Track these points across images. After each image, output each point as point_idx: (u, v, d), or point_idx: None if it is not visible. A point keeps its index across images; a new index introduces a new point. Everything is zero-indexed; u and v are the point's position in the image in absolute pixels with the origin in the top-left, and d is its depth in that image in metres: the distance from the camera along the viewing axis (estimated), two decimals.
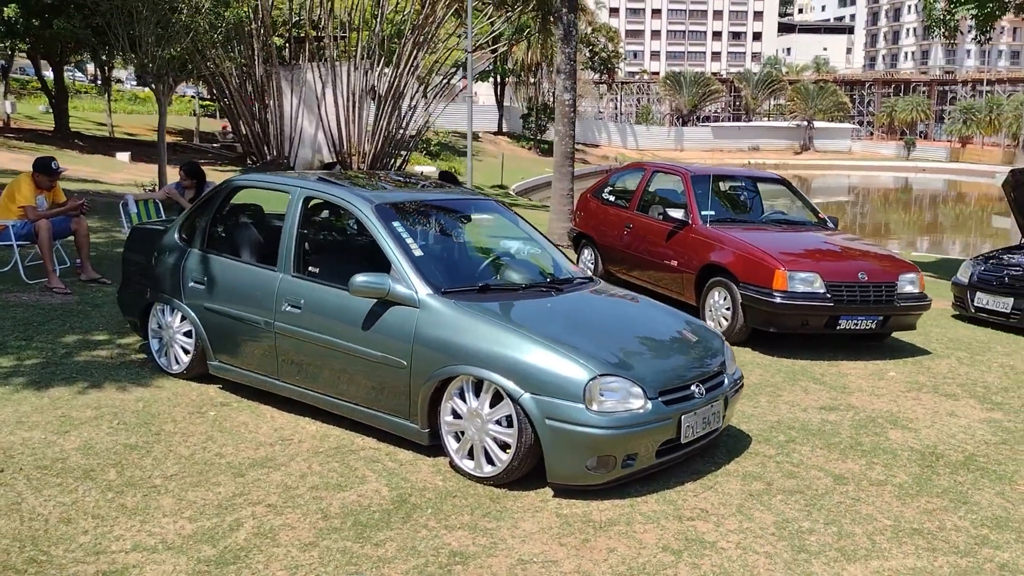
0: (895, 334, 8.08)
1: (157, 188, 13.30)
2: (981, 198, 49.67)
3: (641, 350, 4.73)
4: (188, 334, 5.76)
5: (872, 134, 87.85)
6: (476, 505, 4.22)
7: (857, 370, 7.11)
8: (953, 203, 48.66)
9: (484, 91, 67.52)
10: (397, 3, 27.13)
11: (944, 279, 11.36)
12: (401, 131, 27.26)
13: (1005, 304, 8.87)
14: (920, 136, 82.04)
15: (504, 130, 59.63)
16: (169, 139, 34.15)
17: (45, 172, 8.03)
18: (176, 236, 5.92)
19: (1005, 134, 70.42)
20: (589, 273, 5.91)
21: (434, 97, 28.51)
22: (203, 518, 3.96)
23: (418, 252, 4.93)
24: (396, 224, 5.06)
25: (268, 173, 6.55)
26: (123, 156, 23.85)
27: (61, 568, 3.48)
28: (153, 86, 13.61)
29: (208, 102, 45.88)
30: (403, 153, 28.81)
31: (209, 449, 4.76)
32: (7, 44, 23.92)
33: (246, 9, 20.60)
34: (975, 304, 9.21)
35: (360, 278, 4.67)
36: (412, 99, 26.87)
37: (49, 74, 31.75)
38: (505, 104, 60.96)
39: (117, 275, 8.58)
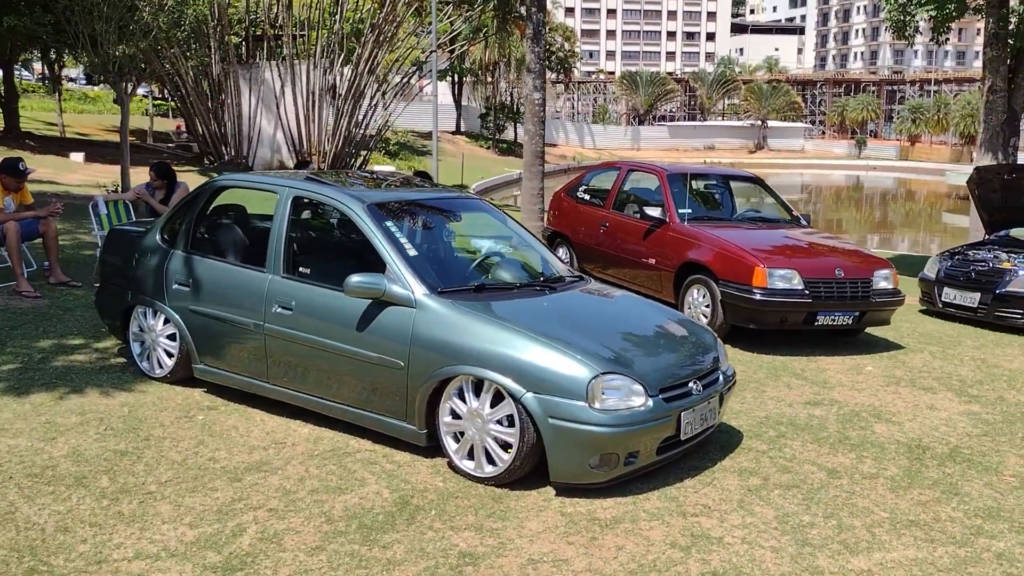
0: (868, 329, 8.22)
1: (120, 189, 13.04)
2: (930, 195, 50.80)
3: (639, 348, 4.75)
4: (172, 337, 5.64)
5: (824, 133, 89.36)
6: (479, 505, 4.20)
7: (835, 365, 7.22)
8: (904, 200, 49.68)
9: (441, 90, 67.02)
10: (357, 1, 26.94)
11: (905, 275, 11.57)
12: (361, 131, 27.09)
13: (972, 299, 9.08)
14: (871, 135, 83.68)
15: (462, 129, 59.48)
16: None
17: (12, 173, 7.82)
18: (158, 237, 5.80)
19: (953, 132, 72.09)
20: (579, 272, 5.89)
21: (394, 97, 28.39)
22: (204, 524, 3.89)
23: (412, 252, 4.89)
24: (389, 224, 5.01)
25: (254, 173, 6.46)
26: (77, 156, 23.29)
27: None
28: (110, 85, 13.29)
29: (160, 101, 45.02)
30: (363, 153, 28.63)
31: (201, 454, 4.67)
32: None
33: (204, 8, 20.23)
34: (943, 299, 9.41)
35: (355, 279, 4.62)
36: (372, 98, 26.71)
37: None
38: (463, 103, 60.80)
39: (85, 278, 8.44)
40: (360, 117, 26.59)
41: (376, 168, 30.12)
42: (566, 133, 72.40)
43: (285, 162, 26.58)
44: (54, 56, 30.48)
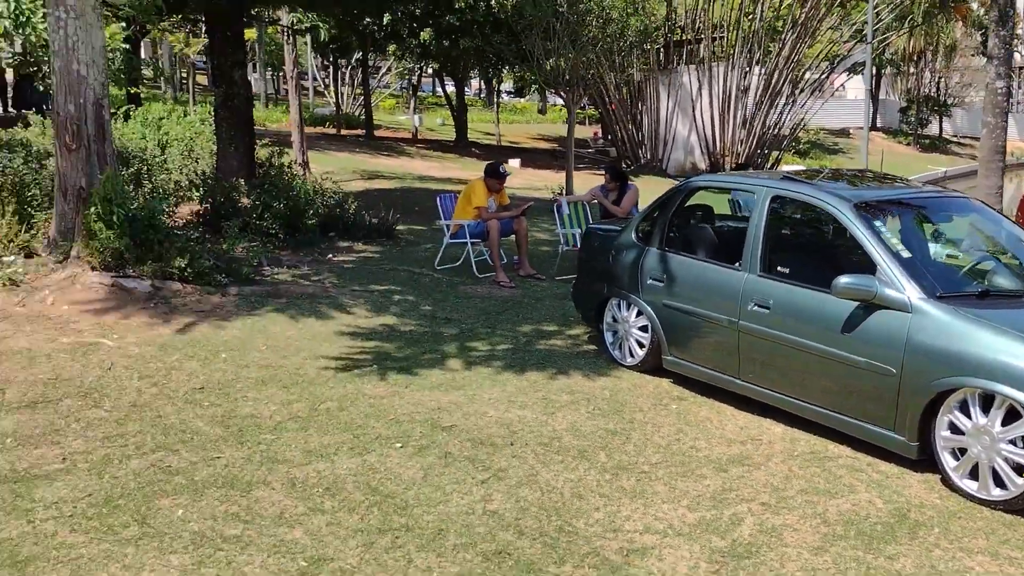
0: None
1: (564, 191, 14.16)
2: None
3: None
4: (644, 329, 5.99)
5: None
6: (989, 530, 3.88)
7: None
8: None
9: (856, 85, 63.18)
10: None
11: None
12: (774, 130, 26.51)
13: None
14: None
15: (878, 125, 55.40)
16: (546, 145, 36.46)
17: (495, 176, 8.87)
18: (633, 236, 6.19)
19: None
20: None
21: (811, 93, 27.37)
22: (701, 508, 4.07)
23: (906, 254, 4.67)
24: (878, 224, 4.83)
25: (727, 173, 6.63)
26: (514, 162, 25.71)
27: (587, 540, 3.75)
28: (561, 97, 14.46)
29: (578, 110, 48.08)
30: (775, 153, 27.99)
31: (683, 441, 4.89)
32: (421, 64, 26.90)
33: (646, 19, 21.12)
34: None
35: (844, 280, 4.52)
36: (788, 97, 26.00)
37: (450, 88, 35.30)
38: (879, 98, 56.60)
39: (546, 272, 9.29)
40: (776, 115, 26.05)
41: (787, 168, 29.29)
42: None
43: (697, 164, 26.91)
44: (490, 73, 33.97)
